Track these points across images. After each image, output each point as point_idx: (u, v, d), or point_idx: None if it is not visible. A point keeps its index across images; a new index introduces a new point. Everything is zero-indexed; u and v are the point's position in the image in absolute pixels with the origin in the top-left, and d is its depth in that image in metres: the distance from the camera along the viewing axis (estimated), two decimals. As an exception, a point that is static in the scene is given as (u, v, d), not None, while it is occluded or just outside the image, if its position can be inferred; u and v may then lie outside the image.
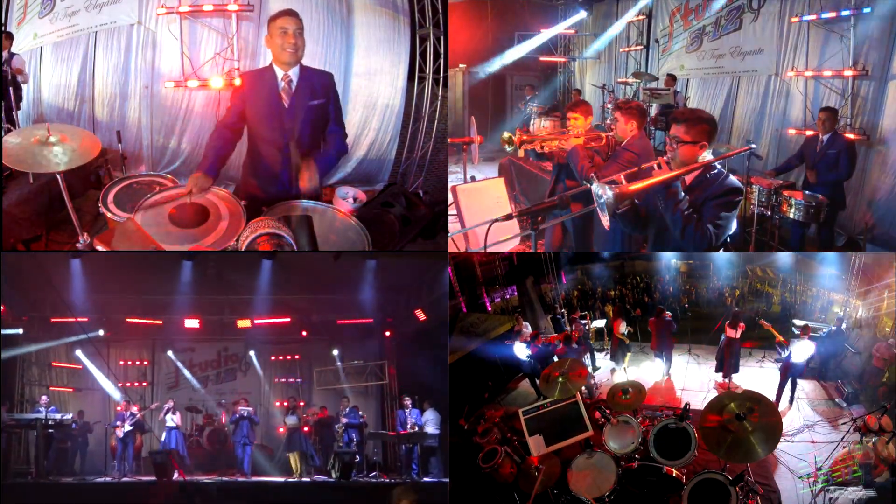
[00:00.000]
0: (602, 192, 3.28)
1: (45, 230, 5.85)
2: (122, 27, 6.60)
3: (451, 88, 10.39)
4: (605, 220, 3.34)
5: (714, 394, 5.94)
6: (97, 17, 6.49)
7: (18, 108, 6.24)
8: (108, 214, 4.02)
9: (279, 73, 4.11)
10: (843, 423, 5.05)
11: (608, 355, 7.45)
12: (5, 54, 5.97)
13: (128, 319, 7.34)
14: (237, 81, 4.93)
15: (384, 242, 5.55)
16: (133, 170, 6.72)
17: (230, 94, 4.52)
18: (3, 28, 6.09)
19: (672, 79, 9.71)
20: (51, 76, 6.56)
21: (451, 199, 5.98)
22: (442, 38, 7.41)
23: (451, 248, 5.49)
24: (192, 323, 7.44)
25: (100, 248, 3.69)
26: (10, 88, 6.07)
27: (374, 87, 7.42)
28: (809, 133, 6.89)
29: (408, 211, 5.95)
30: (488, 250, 3.82)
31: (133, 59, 6.70)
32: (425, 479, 6.52)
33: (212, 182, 3.94)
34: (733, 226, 3.52)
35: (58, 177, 3.67)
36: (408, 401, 7.02)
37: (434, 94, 7.59)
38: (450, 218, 5.91)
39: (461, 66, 11.84)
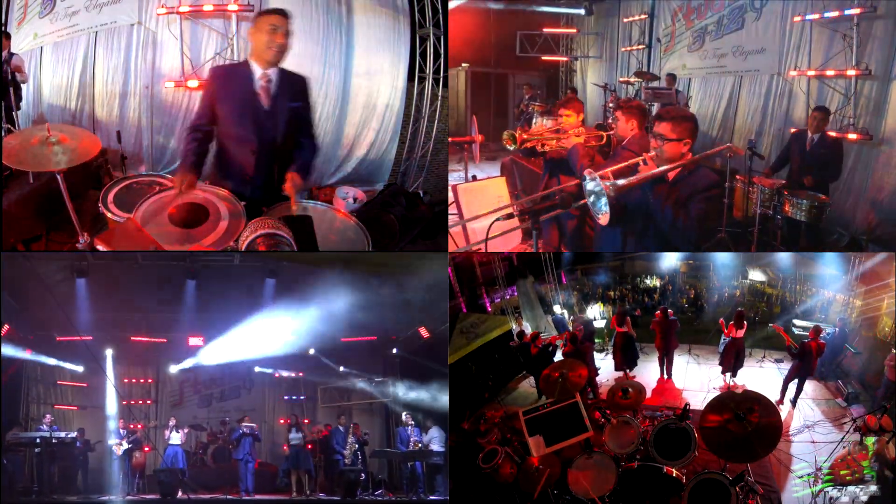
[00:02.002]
0: (597, 186, 3.44)
1: (45, 230, 5.83)
2: (123, 27, 6.60)
3: (453, 87, 10.37)
4: (606, 219, 3.47)
5: (714, 394, 5.92)
6: (97, 17, 6.49)
7: (18, 107, 6.23)
8: (108, 214, 4.02)
9: (257, 70, 3.91)
10: (844, 423, 5.05)
11: (606, 355, 7.43)
12: (4, 53, 5.97)
13: (132, 338, 7.31)
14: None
15: (384, 243, 5.56)
16: (133, 170, 6.72)
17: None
18: (2, 28, 6.09)
19: (672, 78, 9.69)
20: (51, 76, 6.56)
21: (451, 198, 5.97)
22: (442, 38, 7.41)
23: (451, 247, 5.49)
24: (196, 341, 7.41)
25: (100, 247, 3.69)
26: (11, 88, 6.07)
27: (374, 87, 7.41)
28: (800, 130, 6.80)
29: (408, 211, 5.97)
30: (489, 246, 3.86)
31: (133, 59, 6.70)
32: (431, 498, 6.45)
33: (196, 178, 3.86)
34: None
35: (58, 177, 3.68)
36: (407, 418, 6.98)
37: (434, 94, 7.60)
38: (450, 217, 5.90)
39: (464, 64, 11.81)
